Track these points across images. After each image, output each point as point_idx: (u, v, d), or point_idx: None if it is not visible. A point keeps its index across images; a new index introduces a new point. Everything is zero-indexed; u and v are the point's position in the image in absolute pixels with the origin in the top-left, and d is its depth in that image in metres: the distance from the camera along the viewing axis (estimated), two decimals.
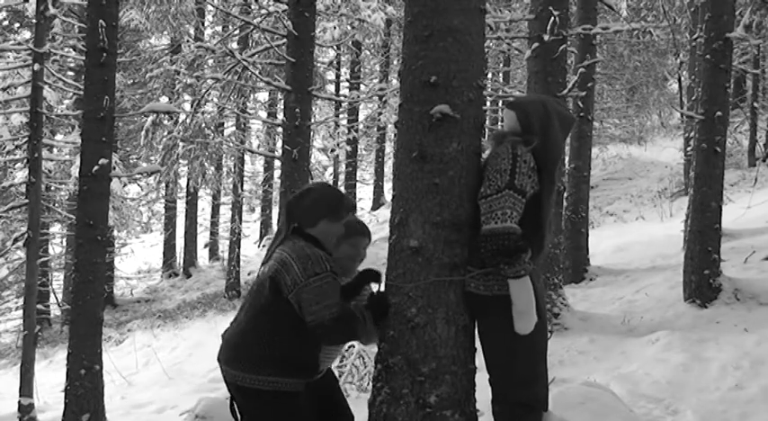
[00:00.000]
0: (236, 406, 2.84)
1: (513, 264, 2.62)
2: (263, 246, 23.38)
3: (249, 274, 20.84)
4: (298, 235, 2.81)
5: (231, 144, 14.62)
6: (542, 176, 2.78)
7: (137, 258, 23.11)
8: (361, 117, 21.25)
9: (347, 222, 3.06)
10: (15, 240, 8.89)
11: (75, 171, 12.33)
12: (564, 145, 2.91)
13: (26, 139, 8.96)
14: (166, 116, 12.00)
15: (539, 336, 2.81)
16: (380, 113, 17.54)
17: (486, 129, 20.18)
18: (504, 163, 2.72)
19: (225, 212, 23.81)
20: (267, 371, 2.70)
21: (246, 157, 23.09)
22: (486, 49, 12.36)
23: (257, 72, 10.54)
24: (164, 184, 18.60)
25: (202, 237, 23.66)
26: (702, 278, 7.05)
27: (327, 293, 2.64)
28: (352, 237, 3.06)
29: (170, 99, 17.65)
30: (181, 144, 12.63)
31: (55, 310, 18.40)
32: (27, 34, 16.78)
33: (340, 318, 2.66)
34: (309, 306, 2.62)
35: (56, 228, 18.44)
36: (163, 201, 22.22)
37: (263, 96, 19.92)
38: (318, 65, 15.86)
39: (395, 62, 19.65)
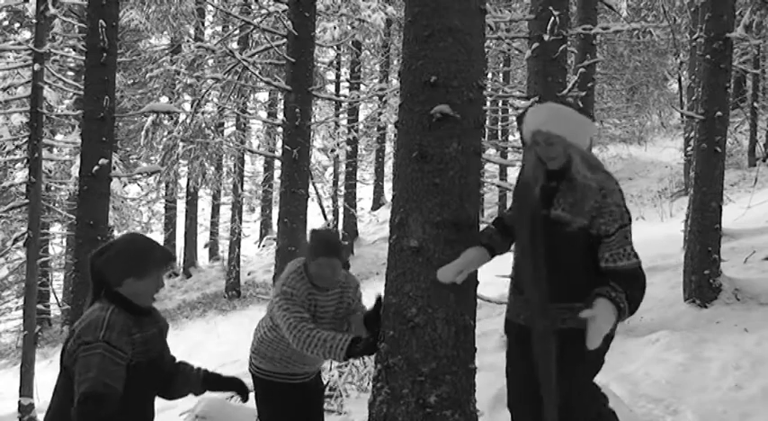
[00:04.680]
0: None
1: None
2: (263, 246, 23.41)
3: (249, 274, 20.86)
4: (105, 295, 2.49)
5: (231, 144, 14.63)
6: None
7: None
8: (361, 117, 21.23)
9: (317, 241, 3.13)
10: (15, 240, 8.90)
11: (75, 171, 12.33)
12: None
13: (26, 139, 8.97)
14: (166, 116, 12.01)
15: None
16: (380, 113, 17.55)
17: (486, 129, 20.19)
18: (618, 198, 2.67)
19: (225, 212, 23.82)
20: None
21: (246, 157, 23.09)
22: (486, 49, 12.35)
23: (257, 72, 10.55)
24: (164, 184, 18.61)
25: (202, 237, 23.67)
26: (702, 278, 7.04)
27: (88, 366, 2.32)
28: (317, 257, 3.12)
29: (170, 99, 17.65)
30: (181, 144, 12.63)
31: (55, 310, 18.40)
32: (27, 34, 16.77)
33: (87, 398, 2.28)
34: (76, 376, 2.34)
35: (56, 228, 18.45)
36: (163, 201, 22.23)
37: (263, 96, 19.92)
38: (318, 65, 15.86)
39: (395, 62, 19.65)
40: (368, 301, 3.23)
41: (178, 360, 2.80)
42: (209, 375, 2.82)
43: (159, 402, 2.90)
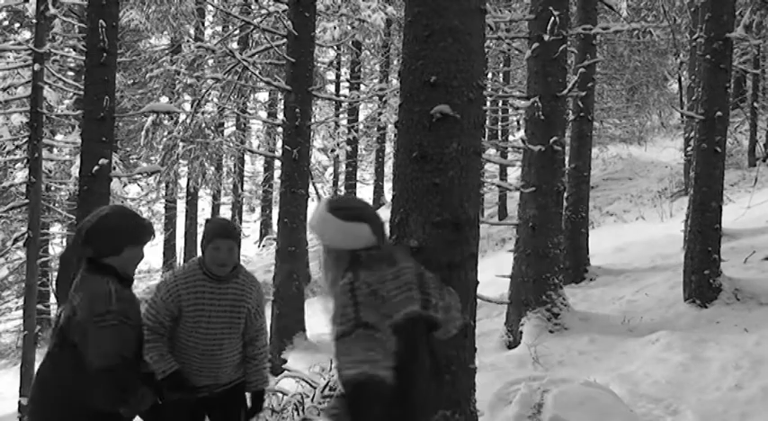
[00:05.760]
0: None
1: None
2: (263, 246, 23.41)
3: None
4: (94, 267, 2.53)
5: (231, 144, 14.65)
6: None
7: None
8: (361, 117, 21.24)
9: (212, 225, 3.12)
10: (15, 240, 8.91)
11: (75, 171, 12.32)
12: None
13: (26, 139, 8.97)
14: (166, 116, 12.01)
15: None
16: (380, 113, 17.55)
17: (486, 129, 20.19)
18: (343, 300, 2.22)
19: (225, 212, 23.82)
20: None
21: (246, 157, 23.10)
22: (486, 49, 12.35)
23: (257, 72, 10.55)
24: (164, 184, 18.60)
25: None
26: (702, 278, 7.04)
27: (103, 338, 2.38)
28: (212, 239, 3.03)
29: (170, 99, 17.65)
30: (181, 144, 12.65)
31: (55, 310, 18.37)
32: (27, 34, 16.76)
33: (110, 370, 2.37)
34: (87, 348, 2.39)
35: (56, 228, 18.42)
36: (163, 201, 22.21)
37: (263, 96, 19.94)
38: (318, 65, 15.86)
39: (395, 62, 19.65)
40: None
41: None
42: None
43: None
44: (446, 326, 2.34)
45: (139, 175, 10.54)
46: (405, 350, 2.12)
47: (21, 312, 9.96)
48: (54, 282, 2.64)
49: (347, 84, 20.86)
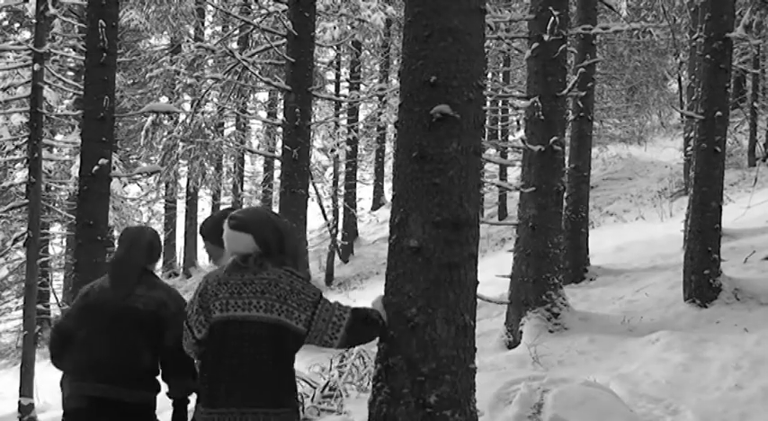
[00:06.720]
0: None
1: None
2: None
3: None
4: (149, 275, 3.16)
5: (231, 144, 14.65)
6: None
7: None
8: (361, 117, 21.22)
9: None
10: (15, 240, 8.90)
11: (75, 171, 12.31)
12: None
13: (26, 139, 8.96)
14: (166, 116, 12.01)
15: None
16: (380, 113, 17.55)
17: (486, 129, 20.18)
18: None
19: None
20: None
21: (246, 157, 23.10)
22: (486, 49, 12.36)
23: (257, 72, 10.56)
24: (164, 184, 18.61)
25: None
26: (702, 278, 7.04)
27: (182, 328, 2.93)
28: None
29: (170, 99, 17.65)
30: (181, 144, 12.65)
31: (55, 310, 18.37)
32: (27, 34, 16.76)
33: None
34: (172, 333, 2.90)
35: (56, 228, 18.43)
36: (163, 201, 22.22)
37: (263, 96, 19.94)
38: (318, 65, 15.86)
39: (395, 62, 19.64)
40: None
41: None
42: None
43: (158, 402, 2.90)
44: (315, 336, 2.62)
45: (139, 175, 10.54)
46: (213, 342, 2.59)
47: (21, 312, 9.95)
48: (114, 276, 3.09)
49: (347, 84, 20.85)
